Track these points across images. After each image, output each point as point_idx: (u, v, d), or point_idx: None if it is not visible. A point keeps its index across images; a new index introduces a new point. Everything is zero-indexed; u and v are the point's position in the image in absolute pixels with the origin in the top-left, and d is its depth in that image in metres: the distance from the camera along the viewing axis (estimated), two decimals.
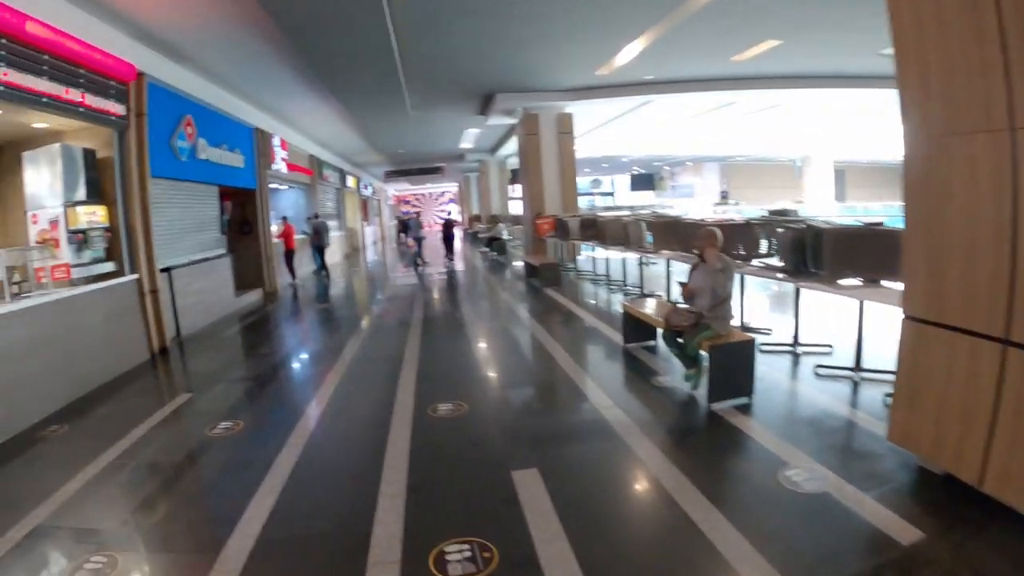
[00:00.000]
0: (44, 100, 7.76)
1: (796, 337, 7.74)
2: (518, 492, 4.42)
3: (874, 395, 5.92)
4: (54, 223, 8.84)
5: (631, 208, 35.14)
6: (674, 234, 10.71)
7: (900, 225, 4.41)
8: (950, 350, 3.92)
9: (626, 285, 11.91)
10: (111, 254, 9.66)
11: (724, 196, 49.96)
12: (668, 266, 11.64)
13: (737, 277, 7.63)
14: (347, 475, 5.04)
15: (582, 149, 25.35)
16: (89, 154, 9.37)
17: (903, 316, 4.32)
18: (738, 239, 8.73)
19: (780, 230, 7.85)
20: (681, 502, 4.11)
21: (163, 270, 10.78)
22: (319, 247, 19.44)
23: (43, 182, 9.03)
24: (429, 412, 6.20)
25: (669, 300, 9.45)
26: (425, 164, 33.85)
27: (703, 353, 6.17)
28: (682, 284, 6.58)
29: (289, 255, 17.87)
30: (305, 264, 19.52)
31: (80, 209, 8.99)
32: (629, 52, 13.14)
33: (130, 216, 9.82)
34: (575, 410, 6.23)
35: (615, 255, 12.42)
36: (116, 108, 9.38)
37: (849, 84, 16.56)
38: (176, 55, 11.05)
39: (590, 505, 4.26)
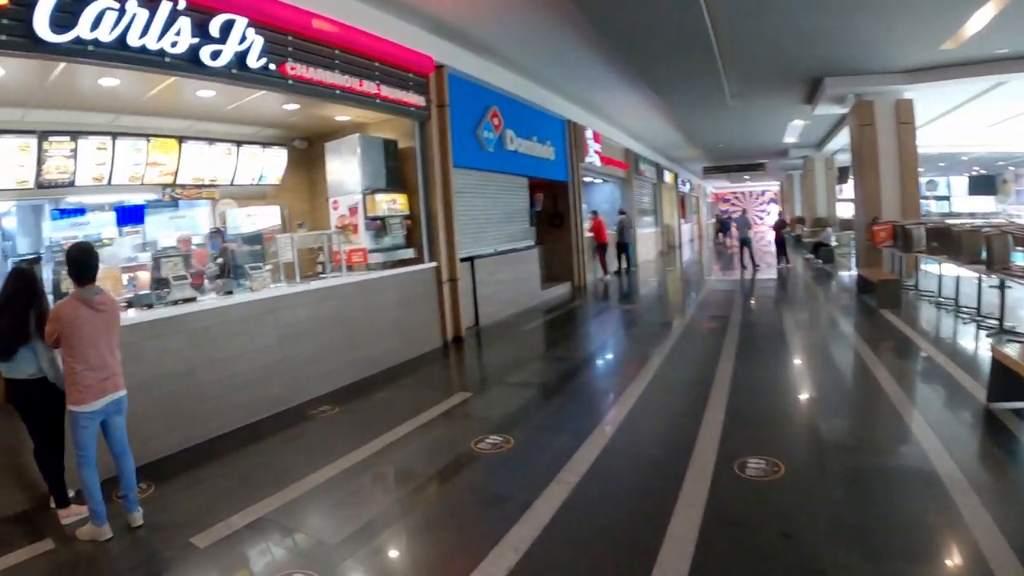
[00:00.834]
0: (337, 93, 7.62)
1: None
2: None
3: None
4: (353, 209, 8.79)
5: (971, 215, 27.39)
6: None
7: None
8: None
9: (980, 315, 8.20)
10: (410, 241, 9.35)
11: None
12: None
13: None
14: (612, 545, 3.42)
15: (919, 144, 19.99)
16: (390, 144, 9.21)
17: None
18: None
19: None
20: None
21: (466, 259, 10.31)
22: (621, 244, 18.10)
23: (343, 171, 9.08)
24: (735, 469, 4.25)
25: None
26: (745, 160, 30.38)
27: None
28: None
29: (601, 249, 16.81)
30: (613, 261, 18.32)
31: (379, 197, 8.81)
32: (981, 17, 9.33)
33: (431, 205, 9.44)
34: (930, 511, 3.51)
35: (966, 274, 8.69)
36: (415, 99, 9.05)
37: None
38: (477, 48, 10.55)
39: None
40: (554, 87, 13.50)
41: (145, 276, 6.46)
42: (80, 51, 4.93)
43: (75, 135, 7.32)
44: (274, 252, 7.48)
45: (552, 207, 15.28)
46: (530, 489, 4.09)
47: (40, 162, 7.02)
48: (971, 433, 4.78)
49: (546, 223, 15.30)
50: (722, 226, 34.50)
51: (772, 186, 50.63)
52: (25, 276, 4.08)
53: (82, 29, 4.82)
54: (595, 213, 17.15)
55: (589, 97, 14.85)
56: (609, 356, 8.71)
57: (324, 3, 7.32)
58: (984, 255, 8.18)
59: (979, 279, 8.70)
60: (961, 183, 41.36)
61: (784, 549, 3.22)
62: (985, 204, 38.33)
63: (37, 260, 6.44)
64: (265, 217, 8.97)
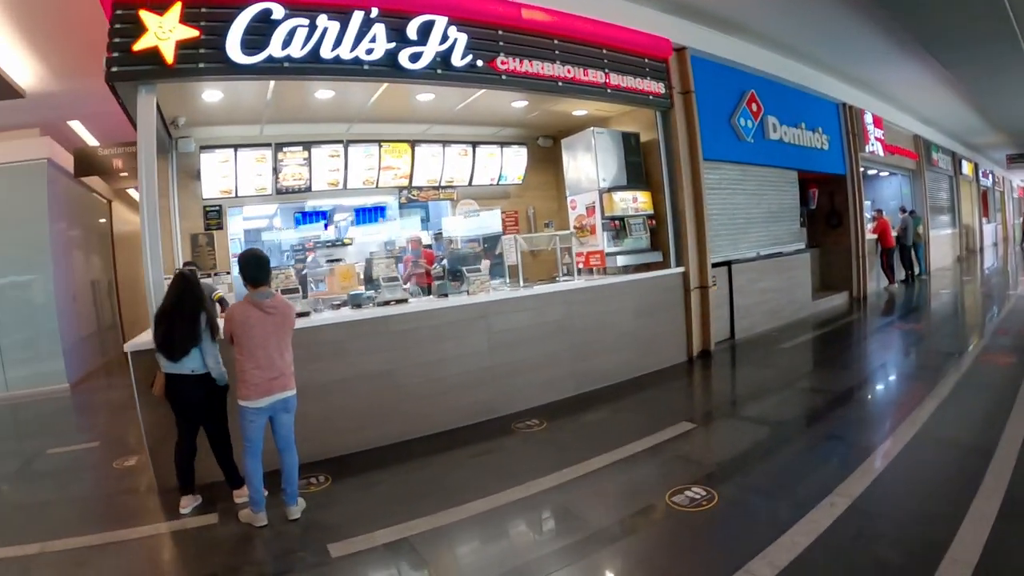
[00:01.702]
0: (559, 85, 6.73)
1: None
2: None
3: None
4: (590, 209, 7.68)
5: None
6: None
7: None
8: None
9: None
10: (655, 244, 7.84)
11: None
12: None
13: None
14: None
15: None
16: (630, 138, 7.93)
17: None
18: None
19: None
20: None
21: (721, 263, 8.57)
22: (907, 248, 14.44)
23: (579, 168, 8.04)
24: None
25: None
26: None
27: None
28: None
29: (886, 254, 13.49)
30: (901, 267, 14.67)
31: (618, 195, 7.55)
32: None
33: (678, 203, 7.90)
34: None
35: None
36: (652, 87, 7.68)
37: None
38: (724, 25, 8.75)
39: None
40: (822, 65, 10.96)
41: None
42: (275, 69, 5.01)
43: (308, 144, 7.71)
44: (497, 255, 6.70)
45: (829, 205, 12.53)
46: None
47: (276, 171, 7.55)
48: None
49: (822, 223, 12.62)
50: None
51: None
52: (187, 280, 4.14)
53: (274, 48, 4.89)
54: (880, 212, 13.85)
55: (864, 75, 11.91)
56: (871, 394, 6.28)
57: None
58: None
59: None
60: None
61: None
62: None
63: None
64: (489, 218, 8.08)
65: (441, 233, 8.34)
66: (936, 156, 17.74)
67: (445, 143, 8.67)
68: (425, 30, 5.55)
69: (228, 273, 7.66)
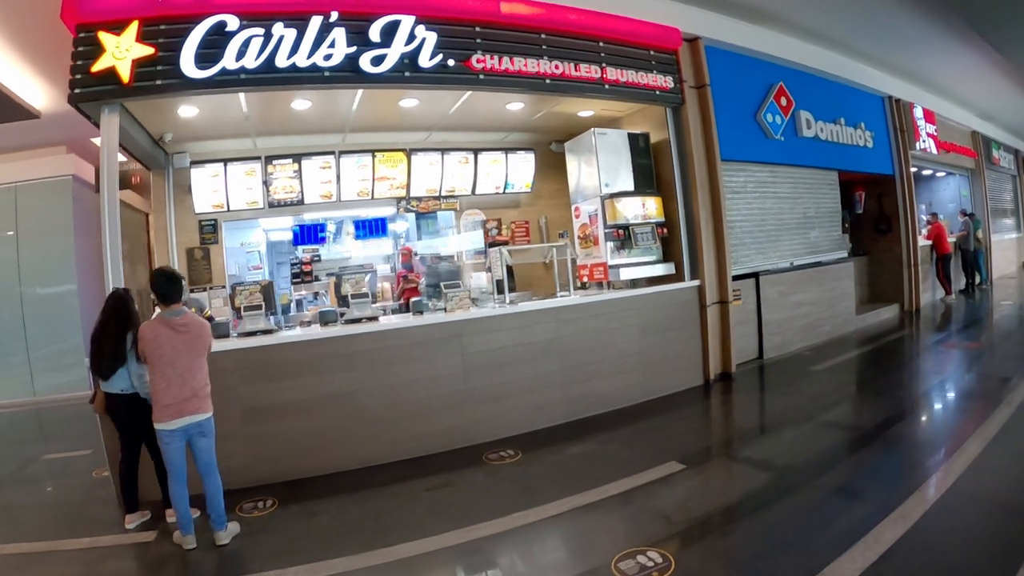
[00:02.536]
0: (547, 82, 5.87)
1: None
2: None
3: None
4: (593, 217, 6.51)
5: None
6: None
7: None
8: None
9: None
10: (668, 254, 6.68)
11: None
12: None
13: None
14: None
15: None
16: (637, 138, 6.89)
17: None
18: None
19: None
20: None
21: (747, 275, 7.43)
22: (967, 254, 12.63)
23: (582, 172, 7.07)
24: None
25: None
26: None
27: None
28: None
29: (942, 262, 11.76)
30: (960, 276, 12.86)
31: (622, 201, 6.50)
32: None
33: (692, 209, 6.79)
34: None
35: None
36: (659, 81, 6.60)
37: None
38: (745, 12, 7.53)
39: None
40: (862, 54, 9.53)
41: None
42: (230, 81, 4.73)
43: (298, 157, 7.17)
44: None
45: (877, 209, 10.98)
46: None
47: (267, 184, 7.07)
48: None
49: (870, 229, 11.08)
50: None
51: None
52: (116, 300, 4.01)
53: (228, 61, 4.65)
54: (935, 216, 12.14)
55: (911, 64, 10.35)
56: (904, 432, 4.88)
57: None
58: None
59: None
60: None
61: None
62: None
63: None
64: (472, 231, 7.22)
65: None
66: (997, 154, 15.66)
67: (444, 151, 7.81)
68: (390, 31, 5.07)
69: (223, 287, 7.34)
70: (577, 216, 7.04)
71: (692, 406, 6.09)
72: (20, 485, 5.35)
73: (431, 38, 5.21)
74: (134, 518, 4.02)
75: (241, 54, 4.65)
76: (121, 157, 9.34)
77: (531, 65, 5.76)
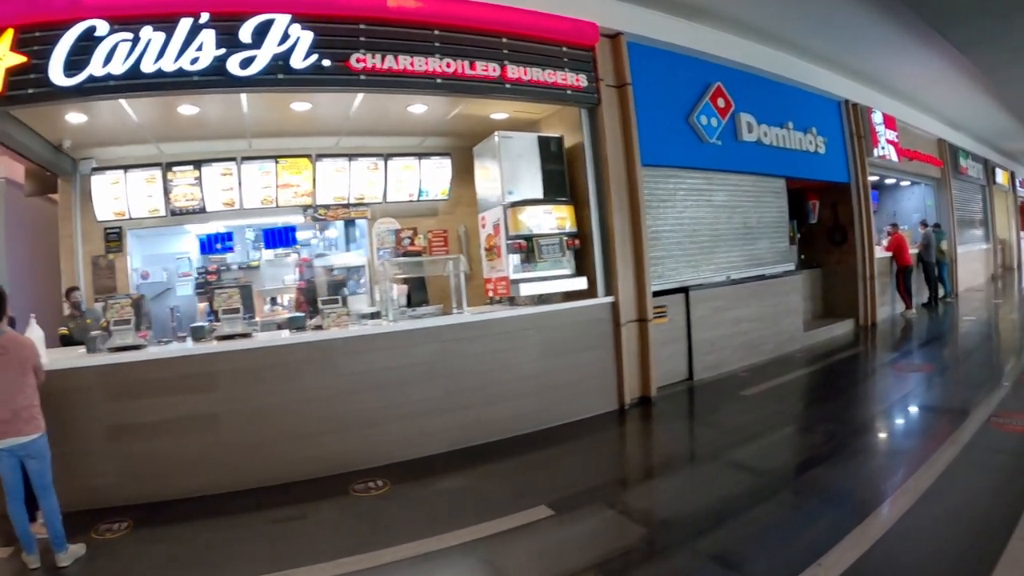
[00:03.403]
0: (438, 82, 5.13)
1: None
2: None
3: None
4: (497, 227, 5.58)
5: None
6: None
7: None
8: None
9: None
10: (582, 268, 5.78)
11: None
12: None
13: None
14: None
15: None
16: (549, 142, 6.09)
17: None
18: None
19: None
20: None
21: (675, 290, 6.62)
22: (927, 265, 11.69)
23: (487, 179, 6.18)
24: None
25: None
26: None
27: None
28: None
29: (903, 274, 10.82)
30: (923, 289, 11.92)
31: (527, 210, 5.63)
32: None
33: (606, 219, 5.84)
34: None
35: None
36: (570, 80, 5.74)
37: None
38: (680, 8, 6.73)
39: None
40: (814, 55, 8.69)
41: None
42: (98, 88, 4.35)
43: (199, 163, 6.63)
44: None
45: (832, 218, 10.05)
46: None
47: (167, 191, 6.59)
48: None
49: (824, 239, 10.13)
50: None
51: None
52: None
53: (95, 67, 4.29)
54: (895, 226, 11.20)
55: (870, 67, 9.49)
56: (821, 479, 3.95)
57: None
58: None
59: None
60: None
61: None
62: None
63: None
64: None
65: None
66: (965, 163, 14.71)
67: (351, 156, 7.02)
68: (262, 32, 4.56)
69: (128, 296, 6.59)
70: (483, 226, 6.18)
71: (594, 436, 5.23)
72: None
73: (306, 37, 4.65)
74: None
75: (108, 60, 4.29)
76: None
77: (419, 64, 5.02)
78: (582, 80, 5.82)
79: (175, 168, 6.60)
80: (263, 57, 4.53)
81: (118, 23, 4.29)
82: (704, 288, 6.93)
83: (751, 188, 7.80)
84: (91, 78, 4.26)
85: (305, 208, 7.04)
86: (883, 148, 10.32)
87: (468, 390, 5.07)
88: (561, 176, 6.00)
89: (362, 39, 4.88)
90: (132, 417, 4.20)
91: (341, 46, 4.80)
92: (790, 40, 7.99)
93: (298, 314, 5.31)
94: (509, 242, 5.61)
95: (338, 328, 4.86)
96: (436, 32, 5.12)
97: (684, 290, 6.70)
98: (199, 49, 4.41)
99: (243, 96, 5.32)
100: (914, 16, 7.26)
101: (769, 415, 5.51)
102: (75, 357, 4.30)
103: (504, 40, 5.43)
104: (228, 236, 7.32)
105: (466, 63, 5.20)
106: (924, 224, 11.91)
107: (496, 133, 5.82)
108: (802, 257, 9.85)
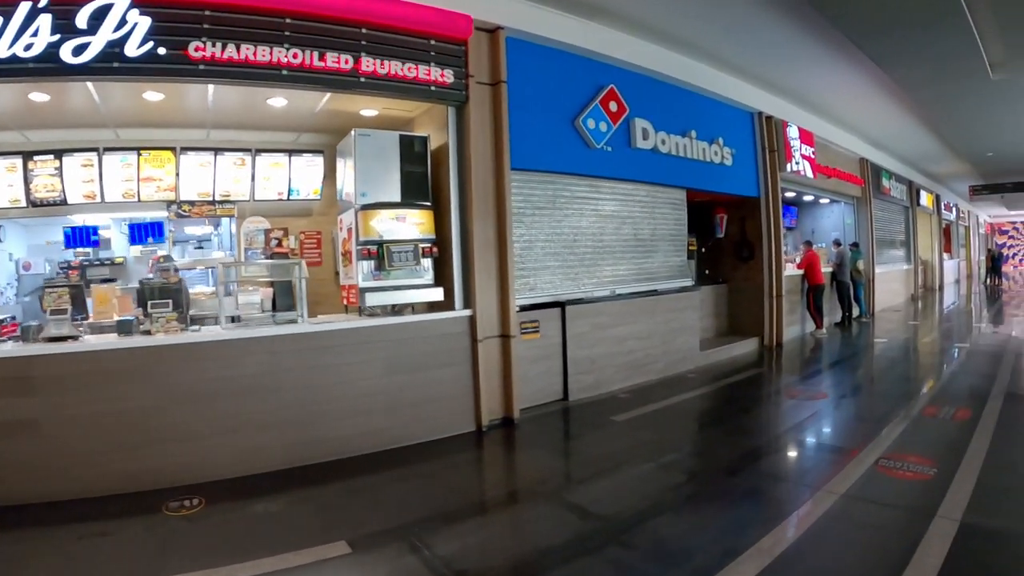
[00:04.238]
0: (284, 73, 4.68)
1: None
2: None
3: None
4: (351, 231, 5.09)
5: None
6: None
7: None
8: None
9: None
10: (441, 278, 5.31)
11: None
12: None
13: None
14: None
15: None
16: (412, 142, 5.62)
17: None
18: None
19: None
20: None
21: (549, 305, 6.24)
22: (841, 284, 11.68)
23: (344, 180, 5.73)
24: None
25: None
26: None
27: None
28: None
29: (813, 293, 10.67)
30: (835, 308, 11.86)
31: (379, 215, 5.15)
32: None
33: (467, 224, 5.39)
34: None
35: None
36: (435, 75, 5.28)
37: None
38: (573, 6, 6.33)
39: None
40: (724, 63, 8.42)
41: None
42: None
43: (59, 153, 6.06)
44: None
45: (739, 234, 9.81)
46: None
47: (27, 181, 6.07)
48: None
49: (731, 255, 9.88)
50: (993, 263, 25.31)
51: None
52: None
53: None
54: (808, 244, 11.09)
55: (787, 80, 9.30)
56: (672, 527, 3.52)
57: None
58: None
59: None
60: None
61: None
62: None
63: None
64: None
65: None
66: (888, 184, 14.80)
67: (217, 150, 6.46)
68: (99, 16, 4.18)
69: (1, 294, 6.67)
70: (340, 229, 5.66)
71: (436, 461, 4.79)
72: None
73: (144, 23, 4.25)
74: None
75: None
76: None
77: (262, 54, 4.56)
78: (448, 76, 5.38)
79: (36, 157, 6.05)
80: (97, 44, 4.17)
81: None
82: (584, 303, 6.55)
83: (645, 198, 7.47)
84: None
85: (168, 204, 6.47)
86: (797, 163, 10.16)
87: (307, 403, 4.64)
88: (423, 179, 5.53)
89: (205, 26, 4.42)
90: None
91: (181, 33, 4.37)
92: (697, 45, 7.65)
93: (127, 317, 4.78)
94: (359, 248, 5.13)
95: (165, 334, 4.44)
96: (287, 20, 4.66)
97: (560, 305, 6.30)
98: (34, 35, 4.05)
99: (89, 84, 4.81)
100: (829, 26, 7.01)
101: (634, 445, 5.10)
102: None
103: (363, 31, 4.97)
104: (94, 230, 6.73)
105: (316, 54, 4.74)
106: (837, 243, 11.84)
107: (354, 130, 5.33)
108: (706, 272, 9.61)
